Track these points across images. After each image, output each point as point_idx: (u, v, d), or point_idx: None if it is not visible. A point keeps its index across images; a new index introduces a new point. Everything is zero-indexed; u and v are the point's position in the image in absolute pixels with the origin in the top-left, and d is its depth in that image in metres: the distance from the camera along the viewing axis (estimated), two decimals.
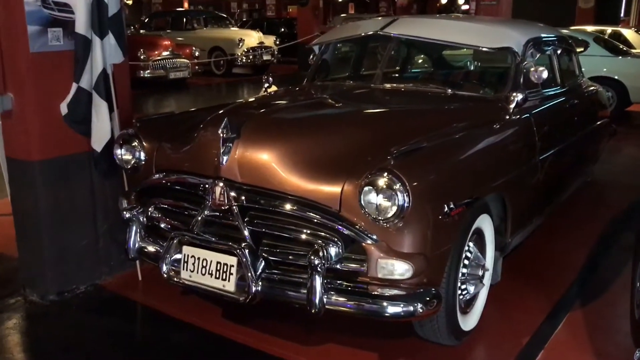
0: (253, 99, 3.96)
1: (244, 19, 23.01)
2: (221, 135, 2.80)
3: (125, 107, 3.70)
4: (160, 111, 10.04)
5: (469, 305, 3.09)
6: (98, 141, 3.46)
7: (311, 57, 4.61)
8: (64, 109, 3.42)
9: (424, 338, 3.00)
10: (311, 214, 2.65)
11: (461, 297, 2.94)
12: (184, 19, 16.54)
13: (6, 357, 3.12)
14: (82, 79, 3.39)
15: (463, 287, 2.94)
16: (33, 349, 3.24)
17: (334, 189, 2.62)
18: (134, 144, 3.29)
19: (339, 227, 2.59)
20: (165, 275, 2.98)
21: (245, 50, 15.29)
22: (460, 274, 2.88)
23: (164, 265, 2.97)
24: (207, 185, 2.87)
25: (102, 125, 3.43)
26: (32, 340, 3.33)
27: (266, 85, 4.26)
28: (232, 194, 2.79)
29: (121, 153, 3.33)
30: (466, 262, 2.93)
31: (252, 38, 15.70)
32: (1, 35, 3.31)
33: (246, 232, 2.78)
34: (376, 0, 27.79)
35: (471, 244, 2.96)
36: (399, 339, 3.10)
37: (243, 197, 2.78)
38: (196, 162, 2.97)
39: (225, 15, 18.67)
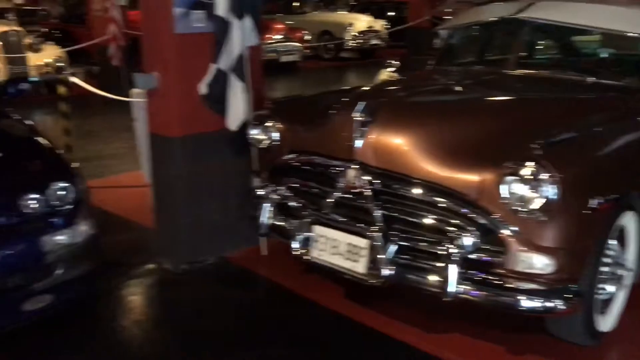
0: (383, 82, 3.96)
1: (353, 3, 22.93)
2: (356, 118, 2.82)
3: (259, 89, 3.82)
4: (271, 94, 10.29)
5: (607, 306, 2.94)
6: (233, 120, 3.60)
7: (436, 41, 4.53)
8: (202, 88, 3.57)
9: (555, 335, 2.90)
10: (447, 201, 2.62)
11: (599, 296, 2.80)
12: (296, 3, 16.73)
13: (135, 319, 3.35)
14: (220, 60, 3.52)
15: (602, 286, 2.80)
16: (161, 313, 3.46)
17: (473, 176, 2.57)
18: (268, 124, 3.39)
19: (476, 216, 2.55)
20: (295, 253, 3.07)
21: (355, 34, 15.26)
22: (600, 272, 2.74)
23: (295, 242, 3.06)
24: (340, 168, 2.92)
25: (238, 105, 3.56)
26: (161, 306, 3.56)
27: (390, 69, 4.25)
28: (366, 177, 2.81)
29: (255, 133, 3.44)
30: (607, 260, 2.79)
31: (362, 22, 15.62)
32: (149, 17, 3.51)
33: (378, 216, 2.79)
34: None
35: (613, 242, 2.81)
36: (528, 334, 3.01)
37: (377, 181, 2.80)
38: (330, 144, 3.02)
39: None
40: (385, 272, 2.71)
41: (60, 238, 2.99)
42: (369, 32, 15.56)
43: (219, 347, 3.02)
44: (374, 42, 15.61)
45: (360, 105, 2.81)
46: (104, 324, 3.27)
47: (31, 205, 2.95)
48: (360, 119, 2.80)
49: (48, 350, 2.98)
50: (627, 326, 3.05)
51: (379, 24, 16.11)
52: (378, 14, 17.51)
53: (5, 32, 10.01)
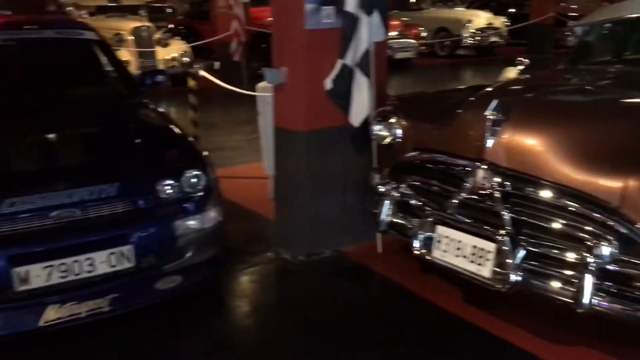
0: (514, 81, 3.82)
1: None
2: (489, 117, 2.74)
3: (382, 85, 3.81)
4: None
5: None
6: (356, 116, 3.61)
7: (570, 39, 4.29)
8: (328, 84, 3.61)
9: None
10: (583, 207, 2.48)
11: None
12: None
13: (255, 305, 3.46)
14: (347, 56, 3.54)
15: None
16: (280, 301, 3.55)
17: (614, 182, 2.41)
18: (391, 121, 3.38)
19: (617, 224, 2.39)
20: (416, 252, 3.03)
21: (473, 31, 14.85)
22: None
23: (416, 241, 3.02)
24: (468, 168, 2.84)
25: (362, 101, 3.57)
26: (280, 294, 3.66)
27: (521, 67, 4.09)
28: (496, 178, 2.72)
29: (378, 129, 3.44)
30: None
31: (481, 19, 15.17)
32: (280, 13, 3.60)
33: (507, 219, 2.69)
34: None
35: None
36: None
37: (507, 183, 2.70)
38: (458, 142, 2.95)
39: None
40: (513, 277, 2.61)
41: (192, 223, 3.14)
42: (488, 29, 15.06)
43: (334, 339, 3.05)
44: (493, 39, 15.10)
45: (494, 103, 2.72)
46: (227, 307, 3.42)
47: (167, 191, 3.12)
48: (493, 117, 2.71)
49: (176, 328, 3.15)
50: None
51: (499, 21, 15.57)
52: (498, 11, 16.93)
53: (137, 28, 10.72)
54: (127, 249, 2.93)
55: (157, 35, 10.99)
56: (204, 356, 2.98)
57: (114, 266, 2.91)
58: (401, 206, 3.29)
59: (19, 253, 2.74)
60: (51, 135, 3.36)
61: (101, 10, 12.10)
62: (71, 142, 3.32)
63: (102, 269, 2.89)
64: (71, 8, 11.89)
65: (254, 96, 4.91)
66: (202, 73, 5.39)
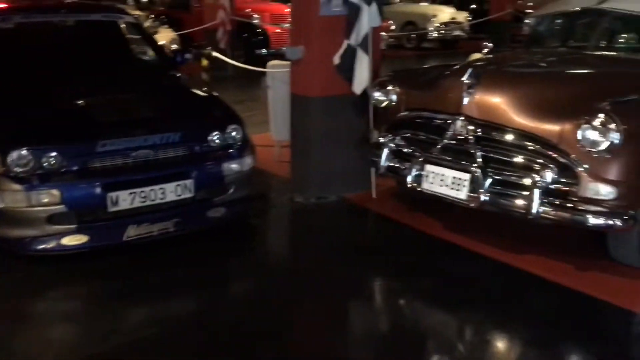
0: (482, 58, 4.80)
1: None
2: (465, 81, 3.70)
3: (377, 62, 4.74)
4: None
5: None
6: (358, 86, 4.54)
7: (525, 28, 5.30)
8: (336, 59, 4.52)
9: (615, 260, 3.66)
10: (534, 144, 3.46)
11: None
12: None
13: (278, 235, 4.48)
14: (351, 37, 4.46)
15: None
16: (297, 232, 4.57)
17: (555, 126, 3.39)
18: (388, 88, 4.32)
19: (557, 156, 3.37)
20: (409, 185, 3.97)
21: (437, 25, 15.92)
22: None
23: (409, 177, 3.96)
24: (449, 120, 3.80)
25: (363, 74, 4.49)
26: (297, 227, 4.67)
27: (485, 50, 5.09)
28: (470, 127, 3.68)
29: (378, 95, 4.37)
30: None
31: (445, 14, 16.25)
32: (299, 3, 4.50)
33: (479, 156, 3.66)
34: None
35: None
36: (593, 259, 3.77)
37: (479, 130, 3.66)
38: (440, 102, 3.90)
39: None
40: (483, 197, 3.58)
41: (234, 166, 4.01)
42: (452, 23, 16.15)
43: (341, 256, 4.00)
44: (455, 33, 16.18)
45: (469, 71, 3.68)
46: (259, 235, 4.32)
47: (215, 140, 3.99)
48: (468, 82, 3.67)
49: (224, 249, 4.02)
50: None
51: (462, 16, 16.66)
52: (460, 6, 18.07)
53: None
54: (189, 182, 3.79)
55: (147, 24, 11.63)
56: (246, 270, 3.86)
57: (179, 195, 3.76)
58: (396, 154, 4.21)
59: (111, 182, 3.58)
60: (123, 96, 4.18)
61: None
62: (139, 101, 4.15)
63: (171, 197, 3.74)
64: None
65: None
66: (215, 54, 6.22)
